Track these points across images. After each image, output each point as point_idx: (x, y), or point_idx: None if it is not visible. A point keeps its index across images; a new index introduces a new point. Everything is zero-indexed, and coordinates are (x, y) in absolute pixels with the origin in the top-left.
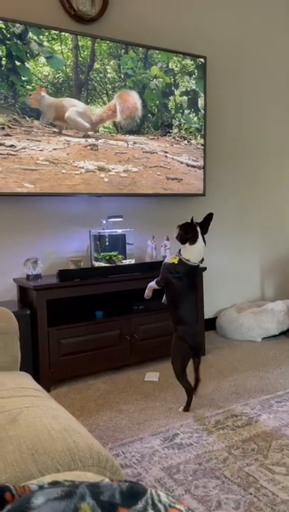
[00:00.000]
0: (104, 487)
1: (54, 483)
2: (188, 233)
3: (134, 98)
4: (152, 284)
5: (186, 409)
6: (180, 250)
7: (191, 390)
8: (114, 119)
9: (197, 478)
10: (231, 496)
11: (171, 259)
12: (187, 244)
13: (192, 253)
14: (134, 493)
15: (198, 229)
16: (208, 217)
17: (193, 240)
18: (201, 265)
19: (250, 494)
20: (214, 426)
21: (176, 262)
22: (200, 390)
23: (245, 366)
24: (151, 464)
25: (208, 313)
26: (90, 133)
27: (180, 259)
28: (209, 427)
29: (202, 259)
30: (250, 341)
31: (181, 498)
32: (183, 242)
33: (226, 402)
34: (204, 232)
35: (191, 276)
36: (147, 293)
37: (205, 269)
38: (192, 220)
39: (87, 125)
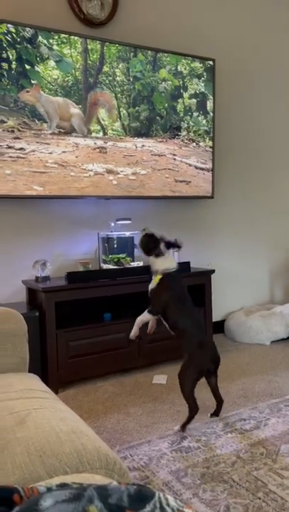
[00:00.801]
0: (112, 490)
1: (62, 486)
2: (151, 245)
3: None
4: (144, 318)
5: (183, 429)
6: (151, 268)
7: (195, 412)
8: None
9: (205, 481)
10: (240, 501)
11: (155, 280)
12: (153, 257)
13: (164, 262)
14: (142, 496)
15: (161, 242)
16: (175, 244)
17: (157, 252)
18: (210, 267)
19: (259, 499)
20: (222, 429)
21: (160, 279)
22: (202, 396)
23: (254, 370)
24: (159, 467)
25: (216, 316)
26: (98, 135)
27: (164, 274)
28: (217, 431)
29: (177, 265)
30: (258, 344)
31: (189, 501)
32: (148, 254)
33: (234, 406)
34: (168, 246)
35: (178, 287)
36: (135, 331)
37: (213, 271)
38: (153, 234)
39: (85, 130)
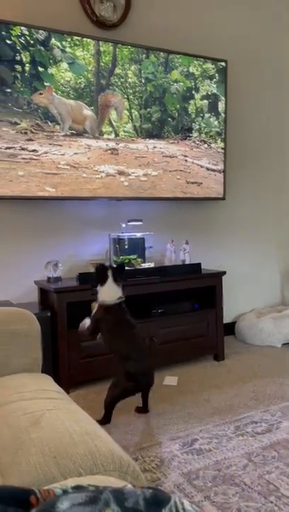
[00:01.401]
0: (128, 493)
1: (78, 488)
2: (99, 275)
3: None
4: (84, 325)
5: (102, 422)
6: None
7: (105, 423)
8: (109, 116)
9: (217, 484)
10: (251, 504)
11: (92, 305)
12: (99, 287)
13: (104, 294)
14: (158, 500)
15: (110, 272)
16: (121, 267)
17: (102, 282)
18: (221, 269)
19: (271, 503)
20: (234, 432)
21: (96, 309)
22: (213, 398)
23: (265, 372)
24: (171, 469)
25: (227, 318)
26: (110, 137)
27: (98, 304)
28: (228, 433)
29: (120, 298)
30: (269, 347)
31: (200, 504)
32: (94, 286)
33: (246, 408)
34: (117, 275)
35: (116, 314)
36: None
37: (224, 273)
38: (105, 265)
39: (97, 132)
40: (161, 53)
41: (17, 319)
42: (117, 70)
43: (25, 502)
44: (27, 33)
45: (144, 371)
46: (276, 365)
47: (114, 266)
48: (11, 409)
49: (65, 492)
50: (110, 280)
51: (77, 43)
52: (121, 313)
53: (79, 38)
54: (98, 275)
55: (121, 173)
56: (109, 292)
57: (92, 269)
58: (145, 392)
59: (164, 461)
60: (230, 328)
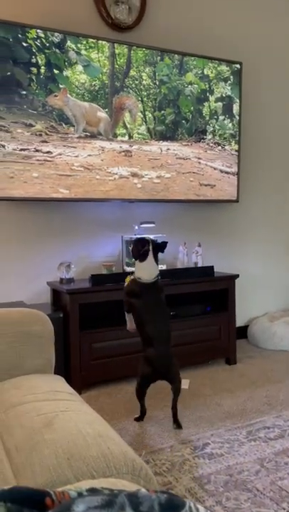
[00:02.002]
0: (143, 498)
1: (93, 491)
2: (139, 250)
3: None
4: (126, 314)
5: (138, 418)
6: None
7: (143, 414)
8: (123, 119)
9: (228, 489)
10: (263, 510)
11: (126, 279)
12: (138, 262)
13: (142, 271)
14: (173, 505)
15: (150, 247)
16: (164, 244)
17: (142, 258)
18: (234, 272)
19: (283, 509)
20: (246, 437)
21: (128, 283)
22: (225, 402)
23: (278, 377)
24: (182, 472)
25: (239, 321)
26: (124, 139)
27: (132, 279)
28: (240, 438)
29: (157, 275)
30: (283, 351)
31: (212, 509)
32: (135, 259)
33: (258, 413)
34: (157, 251)
35: (149, 294)
36: (129, 324)
37: (237, 276)
38: (146, 238)
39: (111, 134)
40: (176, 55)
41: (31, 320)
42: (132, 72)
43: (40, 503)
44: (43, 35)
45: (162, 358)
46: None
47: (156, 241)
48: (24, 410)
49: (80, 495)
50: (150, 257)
51: (92, 45)
52: (157, 292)
53: (94, 40)
54: (138, 250)
55: (134, 175)
56: (149, 270)
57: (104, 271)
58: (172, 384)
59: (176, 464)
60: (243, 332)
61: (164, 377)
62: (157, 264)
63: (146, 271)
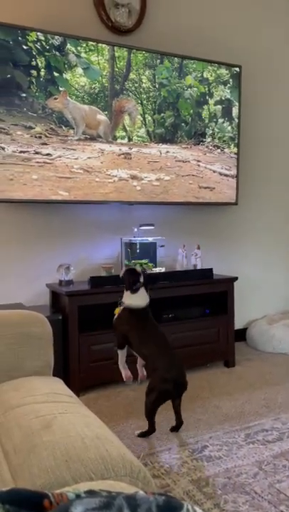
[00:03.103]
0: (141, 500)
1: (90, 493)
2: (131, 283)
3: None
4: (119, 357)
5: (147, 432)
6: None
7: (150, 433)
8: (122, 122)
9: (226, 492)
10: None
11: (116, 311)
12: (128, 292)
13: (133, 299)
14: (170, 507)
15: (142, 280)
16: (156, 277)
17: (134, 291)
18: (233, 275)
19: None
20: (244, 440)
21: (119, 314)
22: (223, 405)
23: (276, 379)
24: (180, 475)
25: (238, 324)
26: (123, 141)
27: (123, 308)
28: (239, 441)
29: (148, 303)
30: (281, 354)
31: None
32: (126, 289)
33: (256, 416)
34: (148, 284)
35: (143, 318)
36: (124, 373)
37: (236, 278)
38: (138, 271)
39: (111, 137)
40: (176, 59)
41: (30, 322)
42: (132, 75)
43: (38, 505)
44: (43, 38)
45: (178, 373)
46: (288, 372)
47: (148, 274)
48: (23, 412)
49: (78, 497)
50: (142, 289)
51: (92, 48)
52: (149, 317)
53: (94, 43)
54: (130, 283)
55: (134, 177)
56: (140, 299)
57: (103, 273)
58: (178, 396)
59: (174, 467)
60: (242, 335)
61: (182, 389)
62: (148, 293)
63: (137, 299)
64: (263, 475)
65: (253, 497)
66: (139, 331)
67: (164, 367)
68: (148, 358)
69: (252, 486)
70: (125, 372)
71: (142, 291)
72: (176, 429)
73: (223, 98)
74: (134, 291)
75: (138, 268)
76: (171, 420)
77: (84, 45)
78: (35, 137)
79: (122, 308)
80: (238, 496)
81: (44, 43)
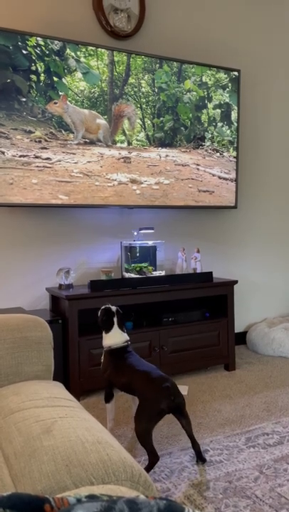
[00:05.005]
0: (142, 504)
1: (91, 497)
2: (104, 321)
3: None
4: (107, 408)
5: (150, 464)
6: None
7: (155, 459)
8: (122, 126)
9: (227, 496)
10: None
11: (101, 359)
12: (104, 333)
13: (110, 339)
14: (172, 511)
15: (115, 318)
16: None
17: (107, 329)
18: (233, 278)
19: None
20: (245, 443)
21: (103, 360)
22: (223, 409)
23: (277, 383)
24: (181, 479)
25: (238, 327)
26: (123, 145)
27: (105, 351)
28: (240, 445)
29: (127, 341)
30: (281, 357)
31: None
32: (101, 328)
33: (257, 420)
34: (123, 321)
35: (125, 354)
36: (109, 426)
37: (236, 282)
38: (112, 309)
39: (110, 141)
40: (175, 63)
41: (30, 326)
42: (131, 80)
43: (39, 510)
44: (42, 43)
45: (165, 378)
46: (288, 376)
47: (120, 311)
48: (23, 417)
49: (79, 501)
50: (116, 327)
51: (92, 52)
52: (130, 356)
53: (93, 48)
54: (103, 321)
55: (133, 181)
56: (115, 338)
57: (103, 277)
58: (180, 413)
59: (174, 471)
60: (242, 338)
61: (177, 400)
62: (124, 332)
63: (113, 339)
64: (264, 479)
65: (254, 501)
66: (124, 368)
67: (154, 376)
68: (134, 384)
69: (253, 490)
70: (110, 426)
71: (116, 329)
72: (199, 458)
73: (222, 102)
74: (107, 329)
75: (113, 308)
76: (171, 423)
77: (83, 50)
78: (35, 141)
79: (104, 352)
80: (239, 500)
81: (44, 48)
